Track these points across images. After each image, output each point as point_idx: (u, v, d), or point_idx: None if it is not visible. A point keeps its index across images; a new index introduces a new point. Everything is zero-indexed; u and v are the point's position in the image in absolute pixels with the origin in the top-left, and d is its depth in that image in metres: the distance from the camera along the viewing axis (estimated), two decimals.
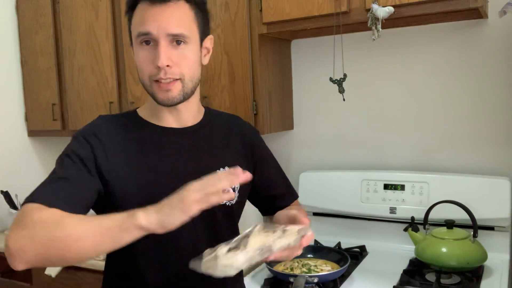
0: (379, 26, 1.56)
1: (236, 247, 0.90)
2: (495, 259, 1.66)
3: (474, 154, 1.87)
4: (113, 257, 1.15)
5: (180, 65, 1.06)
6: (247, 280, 1.66)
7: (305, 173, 2.10)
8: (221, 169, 1.15)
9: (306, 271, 1.60)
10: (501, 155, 1.82)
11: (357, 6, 1.67)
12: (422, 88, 1.94)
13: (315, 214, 2.05)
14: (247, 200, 1.30)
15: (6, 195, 2.39)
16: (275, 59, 2.07)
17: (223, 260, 0.88)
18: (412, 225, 1.74)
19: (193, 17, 1.08)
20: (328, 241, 1.91)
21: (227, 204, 1.15)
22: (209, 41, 1.15)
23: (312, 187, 2.05)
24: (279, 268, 1.65)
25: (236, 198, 1.17)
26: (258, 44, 1.92)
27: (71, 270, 2.02)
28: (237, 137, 1.24)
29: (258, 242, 0.91)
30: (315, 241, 1.94)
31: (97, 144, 1.06)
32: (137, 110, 1.18)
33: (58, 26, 2.44)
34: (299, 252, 0.97)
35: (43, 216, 0.90)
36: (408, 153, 1.99)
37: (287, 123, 2.18)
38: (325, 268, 1.63)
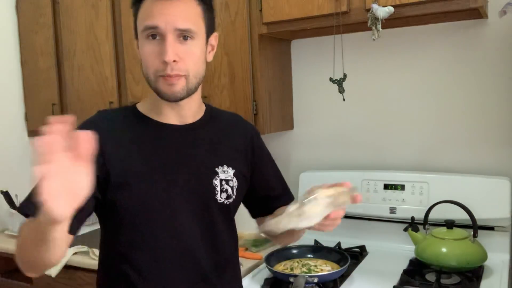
0: (379, 26, 1.56)
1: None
2: (495, 259, 1.66)
3: (474, 154, 1.87)
4: (107, 253, 1.14)
5: (186, 61, 1.05)
6: (247, 280, 1.67)
7: (305, 173, 2.10)
8: (220, 167, 1.15)
9: (306, 271, 1.60)
10: (501, 155, 1.82)
11: (357, 6, 1.67)
12: (422, 88, 1.94)
13: None
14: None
15: (6, 195, 2.39)
16: (275, 59, 2.07)
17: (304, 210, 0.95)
18: (412, 225, 1.74)
19: (200, 12, 1.08)
20: (328, 241, 1.90)
21: (225, 202, 1.15)
22: (214, 38, 1.15)
23: None
24: (279, 268, 1.66)
25: (233, 197, 1.17)
26: (258, 44, 1.92)
27: (71, 270, 2.02)
28: (238, 135, 1.24)
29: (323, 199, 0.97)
30: (315, 241, 1.94)
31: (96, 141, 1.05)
32: (137, 105, 1.17)
33: (58, 26, 2.44)
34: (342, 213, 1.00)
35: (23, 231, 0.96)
36: (408, 153, 1.99)
37: (287, 123, 2.18)
38: (325, 268, 1.63)
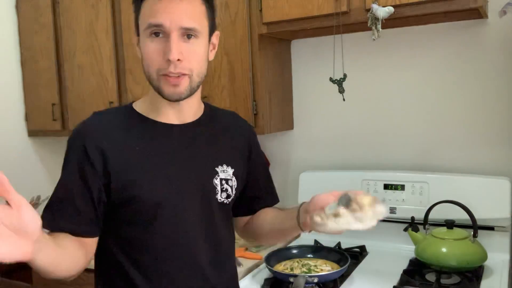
0: (379, 26, 1.56)
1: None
2: (495, 259, 1.66)
3: (474, 154, 1.87)
4: (107, 252, 1.13)
5: (190, 60, 1.04)
6: (247, 280, 1.67)
7: (305, 173, 2.10)
8: (220, 166, 1.15)
9: (306, 271, 1.60)
10: (501, 155, 1.82)
11: (357, 6, 1.67)
12: (422, 88, 1.94)
13: None
14: None
15: None
16: (275, 59, 2.07)
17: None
18: (412, 225, 1.74)
19: (204, 11, 1.07)
20: (328, 241, 1.90)
21: (225, 202, 1.15)
22: (215, 37, 1.14)
23: (312, 187, 2.04)
24: (279, 268, 1.65)
25: (233, 196, 1.17)
26: (258, 44, 1.92)
27: None
28: (237, 135, 1.24)
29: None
30: (315, 241, 1.94)
31: (94, 146, 1.04)
32: (133, 104, 1.15)
33: (58, 26, 2.44)
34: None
35: None
36: (408, 153, 1.99)
37: (287, 123, 2.18)
38: (325, 268, 1.63)
